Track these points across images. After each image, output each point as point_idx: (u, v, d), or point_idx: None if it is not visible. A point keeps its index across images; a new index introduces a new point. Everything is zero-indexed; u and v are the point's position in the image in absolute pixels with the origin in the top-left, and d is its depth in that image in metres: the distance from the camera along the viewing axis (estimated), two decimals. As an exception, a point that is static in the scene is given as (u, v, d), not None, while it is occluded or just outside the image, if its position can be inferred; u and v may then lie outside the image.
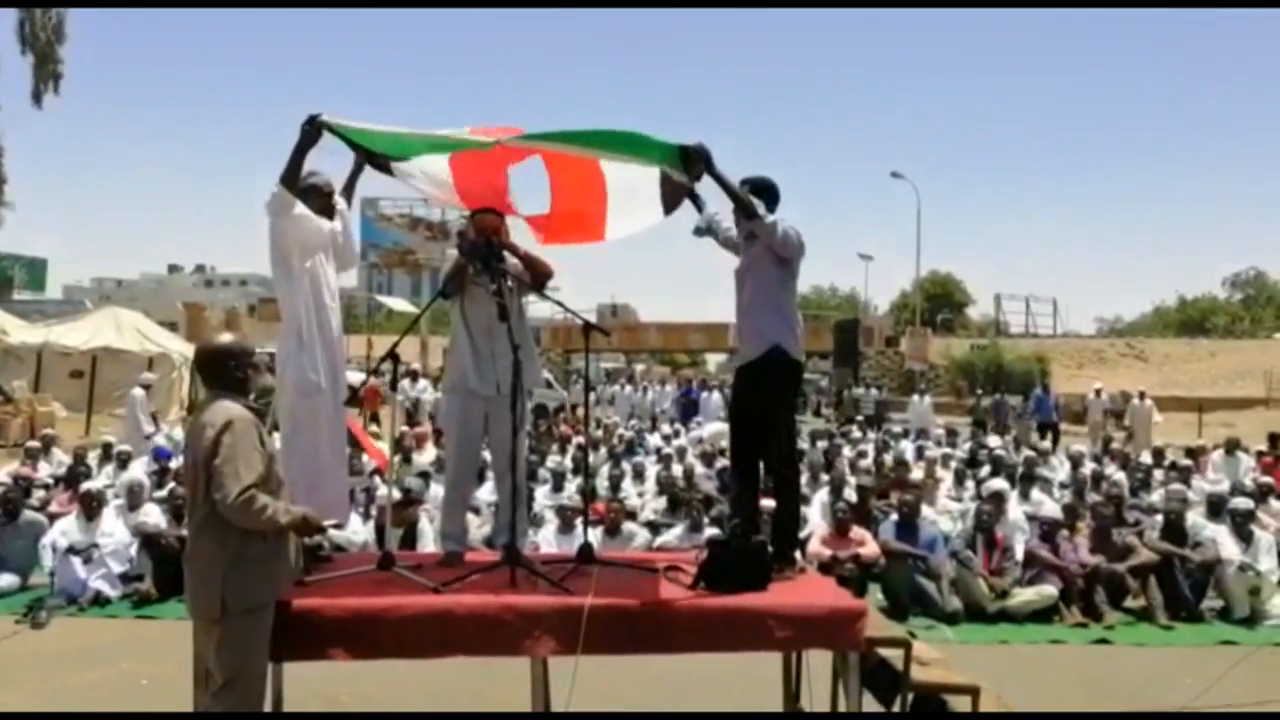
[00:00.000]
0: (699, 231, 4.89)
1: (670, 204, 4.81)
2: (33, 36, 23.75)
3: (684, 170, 4.51)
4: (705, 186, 4.71)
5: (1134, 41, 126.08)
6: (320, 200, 4.62)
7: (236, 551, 3.56)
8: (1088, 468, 12.00)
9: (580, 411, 18.77)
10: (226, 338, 4.06)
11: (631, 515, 9.07)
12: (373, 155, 4.80)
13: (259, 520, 3.52)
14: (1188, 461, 12.42)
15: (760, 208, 4.51)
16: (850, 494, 9.25)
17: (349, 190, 4.92)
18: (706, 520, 8.62)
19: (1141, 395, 19.60)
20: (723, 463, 12.11)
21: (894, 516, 8.28)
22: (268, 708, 4.18)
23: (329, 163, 4.47)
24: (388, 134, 4.58)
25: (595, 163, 4.67)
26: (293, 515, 3.66)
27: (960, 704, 4.32)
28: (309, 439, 4.48)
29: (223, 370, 3.77)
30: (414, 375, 19.84)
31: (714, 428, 17.64)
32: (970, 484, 11.13)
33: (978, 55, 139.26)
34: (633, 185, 4.76)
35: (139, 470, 10.24)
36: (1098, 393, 21.66)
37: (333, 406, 4.59)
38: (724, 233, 4.91)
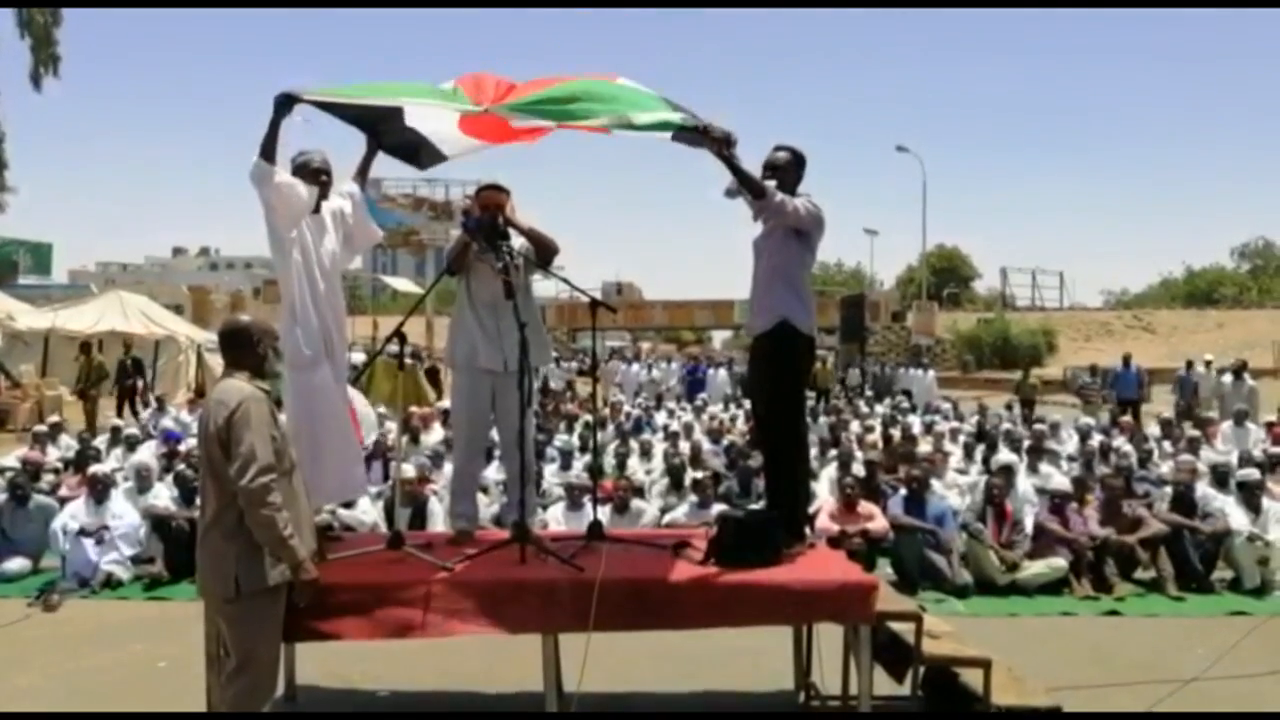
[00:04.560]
0: (730, 194, 4.85)
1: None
2: (30, 19, 23.59)
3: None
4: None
5: (1138, 12, 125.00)
6: (309, 180, 4.59)
7: (250, 532, 3.55)
8: (1095, 440, 11.96)
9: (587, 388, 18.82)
10: (247, 317, 4.09)
11: (640, 492, 9.04)
12: (373, 127, 4.78)
13: (264, 514, 3.48)
14: (1196, 432, 12.36)
15: (770, 186, 4.48)
16: (858, 468, 9.23)
17: (363, 173, 4.97)
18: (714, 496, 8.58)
19: (1245, 369, 16.65)
20: (729, 439, 12.12)
21: (902, 491, 8.26)
22: (280, 688, 4.20)
23: (302, 131, 4.49)
24: (362, 93, 4.56)
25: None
26: (297, 553, 3.59)
27: (972, 677, 4.32)
28: (306, 415, 4.46)
29: (242, 348, 3.77)
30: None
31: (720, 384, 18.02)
32: (979, 457, 11.12)
33: (982, 27, 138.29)
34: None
35: (147, 453, 10.27)
36: (1208, 364, 18.12)
37: (330, 381, 4.56)
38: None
